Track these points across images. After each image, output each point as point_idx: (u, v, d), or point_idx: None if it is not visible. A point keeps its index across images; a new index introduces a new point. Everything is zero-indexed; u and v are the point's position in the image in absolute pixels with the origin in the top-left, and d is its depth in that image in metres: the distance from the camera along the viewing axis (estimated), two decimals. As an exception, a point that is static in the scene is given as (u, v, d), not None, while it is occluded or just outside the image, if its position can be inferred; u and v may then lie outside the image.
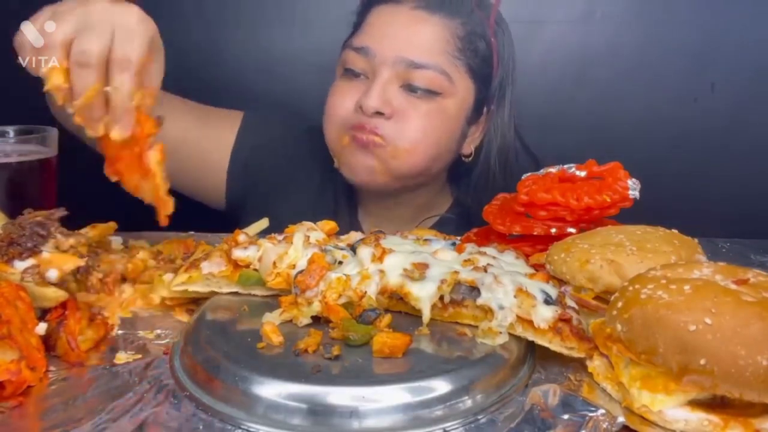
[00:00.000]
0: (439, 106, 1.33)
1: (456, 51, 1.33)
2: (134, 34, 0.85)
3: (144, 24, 0.88)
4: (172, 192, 1.17)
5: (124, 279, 0.96)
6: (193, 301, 0.93)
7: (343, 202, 1.50)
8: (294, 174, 1.51)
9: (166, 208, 0.91)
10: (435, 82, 1.31)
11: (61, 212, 0.93)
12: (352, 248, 0.91)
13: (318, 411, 0.66)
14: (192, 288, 0.90)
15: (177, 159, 1.38)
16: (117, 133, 0.85)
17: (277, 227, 1.04)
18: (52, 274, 0.82)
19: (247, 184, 1.50)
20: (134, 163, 0.88)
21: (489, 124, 1.44)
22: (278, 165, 1.51)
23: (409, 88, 1.31)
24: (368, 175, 1.35)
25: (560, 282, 0.88)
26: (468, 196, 1.49)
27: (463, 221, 1.45)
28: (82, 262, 0.86)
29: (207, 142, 1.46)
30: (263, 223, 1.11)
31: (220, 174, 1.48)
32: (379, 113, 1.29)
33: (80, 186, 1.35)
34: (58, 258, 0.85)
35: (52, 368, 0.76)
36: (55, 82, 0.82)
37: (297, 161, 1.52)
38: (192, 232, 1.23)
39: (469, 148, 1.45)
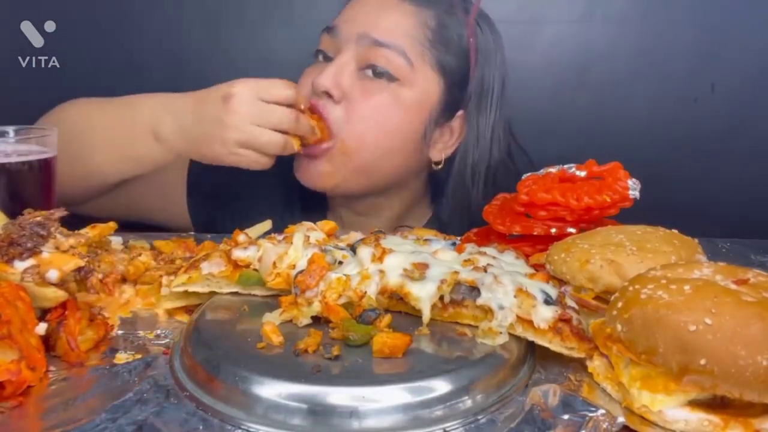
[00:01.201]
0: (394, 95, 1.28)
1: (424, 39, 1.29)
2: (271, 85, 1.19)
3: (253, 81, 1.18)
4: (138, 224, 1.22)
5: (124, 279, 0.96)
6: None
7: (312, 213, 1.41)
8: (257, 184, 1.44)
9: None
10: (394, 64, 1.26)
11: (61, 212, 0.93)
12: (352, 248, 0.90)
13: (318, 411, 0.66)
14: (192, 288, 0.90)
15: (137, 189, 1.37)
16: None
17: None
18: (53, 274, 0.82)
19: (210, 201, 1.45)
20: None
21: (467, 133, 1.37)
22: (238, 176, 1.42)
23: (369, 71, 1.27)
24: (321, 180, 1.32)
25: (560, 282, 0.88)
26: (444, 212, 1.43)
27: None
28: (82, 263, 0.86)
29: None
30: (266, 225, 1.11)
31: (181, 197, 1.45)
32: (328, 95, 1.26)
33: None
34: (58, 258, 0.85)
35: (52, 368, 0.76)
36: (298, 146, 1.23)
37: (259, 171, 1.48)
38: (192, 233, 1.23)
39: (439, 155, 1.38)
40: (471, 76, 1.34)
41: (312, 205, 1.45)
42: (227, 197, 1.47)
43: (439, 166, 1.40)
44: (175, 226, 1.45)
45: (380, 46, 1.26)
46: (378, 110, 1.27)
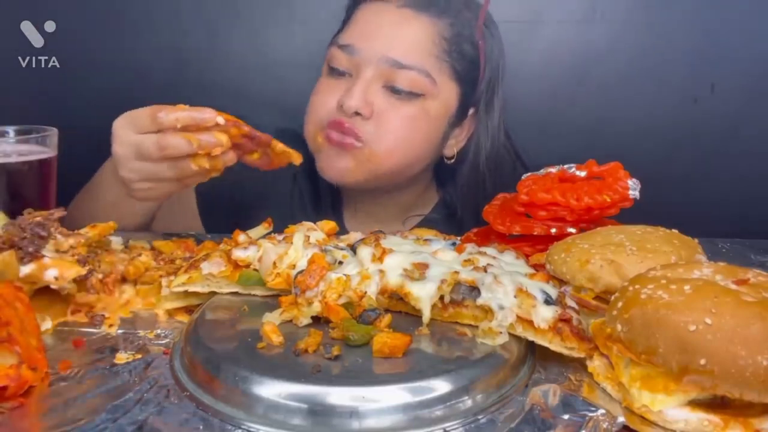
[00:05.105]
0: (421, 108, 1.32)
1: (442, 52, 1.32)
2: (137, 116, 1.03)
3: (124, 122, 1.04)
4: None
5: (124, 279, 0.96)
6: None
7: (326, 205, 1.48)
8: (269, 183, 1.46)
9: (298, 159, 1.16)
10: (418, 84, 1.30)
11: (60, 212, 0.93)
12: (352, 248, 0.91)
13: (318, 411, 0.66)
14: (192, 288, 0.90)
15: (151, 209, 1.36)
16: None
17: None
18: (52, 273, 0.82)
19: (221, 206, 1.46)
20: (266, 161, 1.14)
21: (478, 127, 1.43)
22: (248, 178, 1.42)
23: (392, 89, 1.30)
24: (344, 175, 1.34)
25: (560, 282, 0.88)
26: (455, 198, 1.48)
27: (449, 222, 1.44)
28: (84, 271, 0.86)
29: None
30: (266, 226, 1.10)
31: (192, 206, 1.46)
32: (358, 114, 1.28)
33: (80, 186, 1.35)
34: (60, 264, 0.85)
35: (52, 368, 0.75)
36: (202, 162, 1.05)
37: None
38: (192, 233, 1.23)
39: (451, 150, 1.44)
40: (480, 76, 1.39)
41: (328, 201, 1.48)
42: (238, 202, 1.47)
43: (452, 161, 1.45)
44: (192, 230, 1.44)
45: (402, 68, 1.28)
46: (406, 124, 1.31)
